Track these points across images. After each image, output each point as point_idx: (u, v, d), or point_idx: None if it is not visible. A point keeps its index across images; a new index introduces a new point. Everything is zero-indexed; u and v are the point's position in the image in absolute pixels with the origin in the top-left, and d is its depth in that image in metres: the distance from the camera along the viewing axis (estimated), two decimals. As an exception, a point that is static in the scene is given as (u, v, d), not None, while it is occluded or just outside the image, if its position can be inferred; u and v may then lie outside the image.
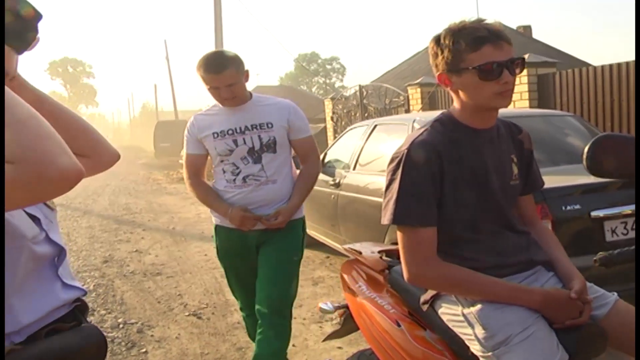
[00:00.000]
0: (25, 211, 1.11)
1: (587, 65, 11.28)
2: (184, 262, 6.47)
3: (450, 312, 1.77)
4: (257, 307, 2.71)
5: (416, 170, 1.69)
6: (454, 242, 1.77)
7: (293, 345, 3.77)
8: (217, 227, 2.95)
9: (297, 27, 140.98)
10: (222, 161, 2.80)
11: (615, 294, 1.81)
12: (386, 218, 1.74)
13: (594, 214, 3.21)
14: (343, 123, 13.08)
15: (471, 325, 1.68)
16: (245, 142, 2.74)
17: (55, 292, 1.13)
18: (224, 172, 2.81)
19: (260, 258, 2.81)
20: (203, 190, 2.87)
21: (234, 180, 2.78)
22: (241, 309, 3.15)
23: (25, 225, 1.10)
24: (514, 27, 20.60)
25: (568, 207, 3.21)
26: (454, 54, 1.70)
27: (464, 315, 1.71)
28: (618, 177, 1.67)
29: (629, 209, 3.25)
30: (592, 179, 3.58)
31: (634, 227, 3.27)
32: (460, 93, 1.75)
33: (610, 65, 6.53)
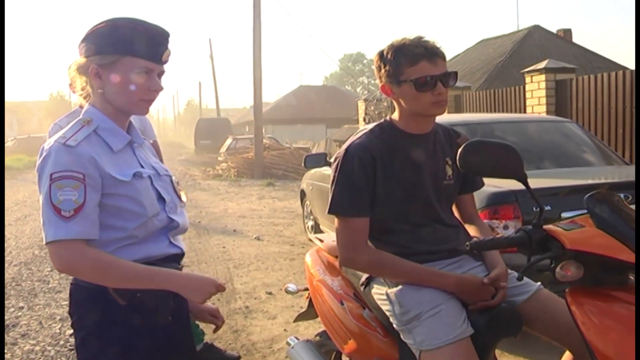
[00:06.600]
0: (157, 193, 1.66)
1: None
2: (202, 253, 6.82)
3: (379, 292, 2.01)
4: None
5: (351, 168, 1.94)
6: (385, 231, 2.01)
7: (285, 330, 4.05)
8: None
9: (343, 27, 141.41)
10: None
11: (540, 283, 2.01)
12: (327, 209, 1.99)
13: (564, 214, 3.36)
14: (374, 124, 13.28)
15: (392, 303, 1.92)
16: None
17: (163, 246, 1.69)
18: None
19: None
20: None
21: None
22: None
23: (152, 207, 1.62)
24: (554, 31, 20.31)
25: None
26: (395, 68, 1.93)
27: (387, 294, 1.95)
28: (485, 176, 1.94)
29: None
30: (567, 182, 3.80)
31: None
32: (401, 101, 1.98)
33: (624, 72, 6.58)
